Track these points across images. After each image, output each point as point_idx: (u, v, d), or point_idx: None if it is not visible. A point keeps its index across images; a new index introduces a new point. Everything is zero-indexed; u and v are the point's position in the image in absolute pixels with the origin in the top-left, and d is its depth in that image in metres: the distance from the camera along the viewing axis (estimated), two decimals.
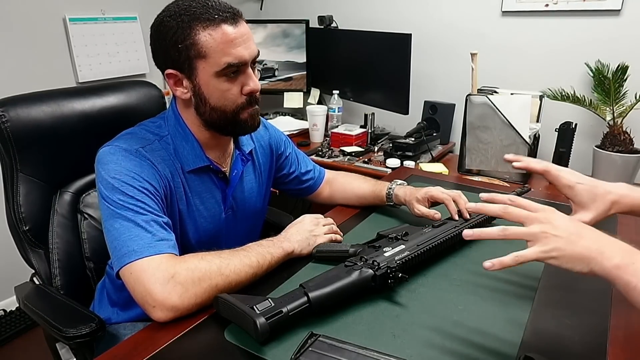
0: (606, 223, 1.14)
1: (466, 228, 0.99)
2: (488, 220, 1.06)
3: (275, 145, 1.17)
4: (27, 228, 1.08)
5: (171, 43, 0.85)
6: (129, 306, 1.01)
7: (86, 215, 1.14)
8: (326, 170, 1.29)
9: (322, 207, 1.26)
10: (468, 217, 1.01)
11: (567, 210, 1.21)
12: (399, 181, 1.18)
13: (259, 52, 0.92)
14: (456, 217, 1.01)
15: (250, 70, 0.90)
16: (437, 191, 1.06)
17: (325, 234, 1.00)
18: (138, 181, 0.85)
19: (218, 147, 1.00)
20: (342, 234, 1.05)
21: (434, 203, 1.07)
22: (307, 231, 0.98)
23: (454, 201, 1.03)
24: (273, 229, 1.34)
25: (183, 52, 0.85)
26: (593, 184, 0.80)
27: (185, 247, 0.95)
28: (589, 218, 0.78)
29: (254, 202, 1.11)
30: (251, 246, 0.88)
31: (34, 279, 1.13)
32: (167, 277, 0.76)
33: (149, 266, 0.77)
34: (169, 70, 0.89)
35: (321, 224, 1.01)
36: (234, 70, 0.87)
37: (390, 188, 1.15)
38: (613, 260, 0.60)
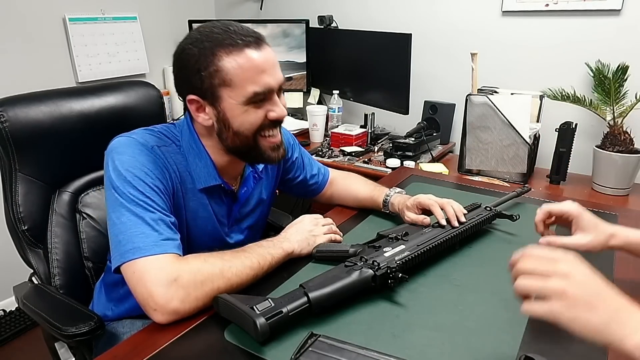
0: (606, 221, 1.15)
1: (463, 229, 0.99)
2: (488, 220, 1.06)
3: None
4: (25, 228, 1.08)
5: (194, 70, 0.83)
6: (125, 300, 1.01)
7: (85, 215, 1.14)
8: (330, 169, 1.29)
9: (322, 208, 1.26)
10: (457, 224, 0.98)
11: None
12: (398, 189, 1.17)
13: (285, 79, 0.91)
14: (443, 222, 0.98)
15: (276, 96, 0.88)
16: (425, 197, 1.04)
17: (324, 233, 1.00)
18: (150, 178, 0.84)
19: (233, 169, 0.99)
20: (341, 234, 1.05)
21: (426, 211, 1.04)
22: (307, 231, 0.98)
23: (442, 208, 1.01)
24: (273, 229, 1.34)
25: (206, 80, 0.83)
26: (597, 220, 0.85)
27: (187, 248, 0.95)
28: (587, 240, 0.82)
29: (260, 211, 1.10)
30: (251, 247, 0.88)
31: (33, 278, 1.13)
32: (170, 280, 0.75)
33: (152, 266, 0.76)
34: (191, 96, 0.86)
35: (320, 224, 1.01)
36: (261, 97, 0.86)
37: (388, 195, 1.15)
38: (635, 337, 0.52)
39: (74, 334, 0.86)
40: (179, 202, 0.92)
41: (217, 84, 0.83)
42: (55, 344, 1.08)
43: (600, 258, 0.84)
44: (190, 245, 0.96)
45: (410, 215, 1.04)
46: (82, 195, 1.15)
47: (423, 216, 1.02)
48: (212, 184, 0.94)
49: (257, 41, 0.84)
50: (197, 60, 0.83)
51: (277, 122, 0.90)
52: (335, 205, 1.26)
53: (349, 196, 1.24)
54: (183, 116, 0.98)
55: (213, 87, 0.84)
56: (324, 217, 1.06)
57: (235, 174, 1.01)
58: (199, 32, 0.85)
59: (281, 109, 0.89)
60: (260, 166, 1.05)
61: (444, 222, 0.98)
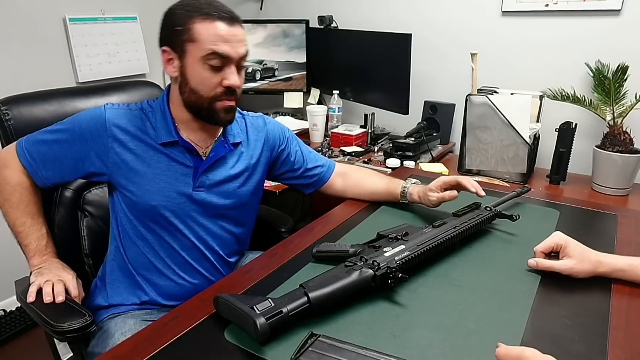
0: (606, 223, 1.16)
1: (463, 229, 0.99)
2: (488, 220, 1.06)
3: (272, 141, 1.17)
4: None
5: (172, 26, 0.97)
6: (117, 290, 1.05)
7: (87, 213, 1.15)
8: (337, 162, 1.30)
9: (323, 208, 1.26)
10: (483, 194, 1.09)
11: (564, 208, 1.22)
12: (413, 180, 1.22)
13: (247, 54, 1.00)
14: (482, 193, 1.09)
15: (234, 67, 0.98)
16: (449, 177, 1.13)
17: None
18: (64, 125, 1.00)
19: (202, 130, 1.06)
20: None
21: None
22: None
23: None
24: (272, 229, 1.34)
25: (178, 35, 0.96)
26: (583, 248, 0.90)
27: (147, 207, 1.02)
28: (571, 264, 0.88)
29: (236, 190, 1.10)
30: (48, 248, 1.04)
31: None
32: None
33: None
34: (164, 47, 0.99)
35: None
36: (218, 62, 0.95)
37: (405, 186, 1.20)
38: None
39: (65, 331, 0.86)
40: (116, 150, 1.00)
41: (186, 39, 0.95)
42: (54, 339, 1.08)
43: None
44: (152, 198, 1.02)
45: (437, 194, 1.11)
46: (85, 193, 1.16)
47: (449, 191, 1.09)
48: (169, 140, 1.02)
49: (231, 18, 0.97)
50: (177, 19, 0.96)
51: (231, 91, 0.99)
52: (347, 198, 1.27)
53: (363, 189, 1.26)
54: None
55: (182, 42, 0.96)
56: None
57: (204, 137, 1.07)
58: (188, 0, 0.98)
59: (235, 78, 0.98)
60: (232, 139, 1.09)
61: (483, 193, 1.09)
